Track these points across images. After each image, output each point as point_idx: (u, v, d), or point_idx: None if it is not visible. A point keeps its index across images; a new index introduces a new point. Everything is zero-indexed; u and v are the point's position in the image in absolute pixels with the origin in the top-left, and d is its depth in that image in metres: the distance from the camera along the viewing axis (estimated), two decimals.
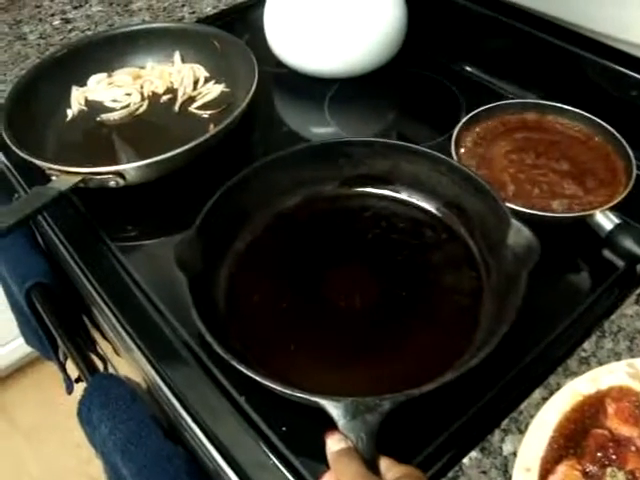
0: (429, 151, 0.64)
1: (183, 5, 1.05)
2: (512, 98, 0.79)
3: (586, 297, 0.58)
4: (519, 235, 0.54)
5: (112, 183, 0.66)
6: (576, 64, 0.76)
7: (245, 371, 0.47)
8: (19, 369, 1.57)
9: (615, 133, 0.67)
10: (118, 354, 0.71)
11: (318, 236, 0.65)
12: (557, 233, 0.60)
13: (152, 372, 0.56)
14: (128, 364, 0.63)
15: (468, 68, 0.84)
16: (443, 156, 0.63)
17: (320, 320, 0.58)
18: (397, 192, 0.67)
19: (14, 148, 0.68)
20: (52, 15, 1.06)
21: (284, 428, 0.50)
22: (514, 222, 0.55)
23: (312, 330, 0.57)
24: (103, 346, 0.82)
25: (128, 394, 0.59)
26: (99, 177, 0.65)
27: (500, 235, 0.56)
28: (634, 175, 0.63)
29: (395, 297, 0.59)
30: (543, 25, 0.78)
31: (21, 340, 0.96)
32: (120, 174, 0.65)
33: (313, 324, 0.57)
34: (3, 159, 0.80)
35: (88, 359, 0.72)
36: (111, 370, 0.83)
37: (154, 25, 0.88)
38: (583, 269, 0.61)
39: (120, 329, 0.60)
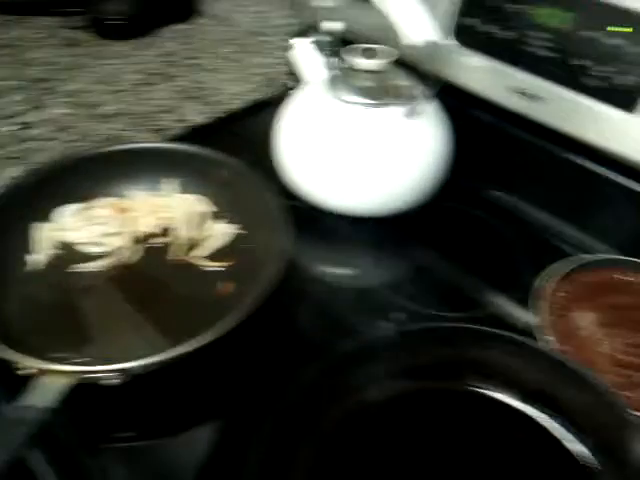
0: (507, 334, 0.51)
1: (167, 111, 0.89)
2: (578, 247, 0.67)
3: None
4: None
5: (115, 381, 0.47)
6: None
7: None
8: None
9: None
10: None
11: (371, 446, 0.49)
12: None
13: None
14: None
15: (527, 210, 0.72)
16: (521, 338, 0.51)
17: None
18: (468, 385, 0.53)
19: None
20: (8, 117, 0.88)
21: None
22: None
23: None
24: None
25: None
26: (97, 375, 0.47)
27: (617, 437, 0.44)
28: None
29: None
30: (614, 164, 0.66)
31: None
32: (126, 370, 0.47)
33: None
34: None
35: None
36: None
37: (142, 145, 0.71)
38: None
39: None
